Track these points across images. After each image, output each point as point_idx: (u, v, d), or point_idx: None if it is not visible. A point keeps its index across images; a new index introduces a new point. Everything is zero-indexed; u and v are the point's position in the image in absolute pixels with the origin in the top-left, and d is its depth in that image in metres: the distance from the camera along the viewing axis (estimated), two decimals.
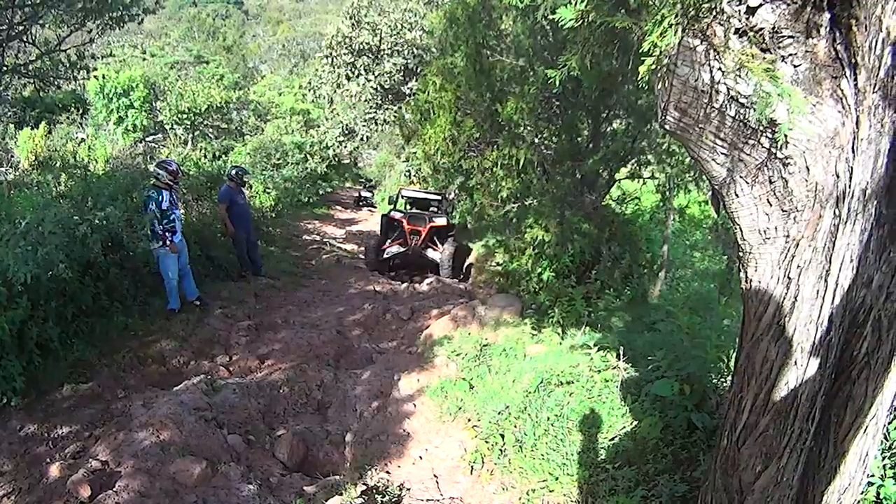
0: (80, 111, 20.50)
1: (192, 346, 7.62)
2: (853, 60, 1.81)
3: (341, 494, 4.49)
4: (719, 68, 1.86)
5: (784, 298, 2.03)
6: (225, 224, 10.55)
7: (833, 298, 1.99)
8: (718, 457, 2.49)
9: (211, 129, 22.15)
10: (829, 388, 2.16)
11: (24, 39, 11.96)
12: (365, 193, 27.74)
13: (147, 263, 8.26)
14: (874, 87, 1.84)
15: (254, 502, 4.67)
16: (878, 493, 2.75)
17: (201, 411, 5.61)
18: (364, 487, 4.68)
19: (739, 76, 1.83)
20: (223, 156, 19.64)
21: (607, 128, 7.97)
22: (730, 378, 4.04)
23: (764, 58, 1.82)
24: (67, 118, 19.67)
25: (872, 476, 2.74)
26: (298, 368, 6.99)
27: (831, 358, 2.10)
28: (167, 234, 7.91)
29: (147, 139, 20.20)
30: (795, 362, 2.08)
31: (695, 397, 4.00)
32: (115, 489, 4.42)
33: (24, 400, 5.72)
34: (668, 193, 8.19)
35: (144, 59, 34.50)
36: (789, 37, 1.80)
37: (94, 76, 18.40)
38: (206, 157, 17.18)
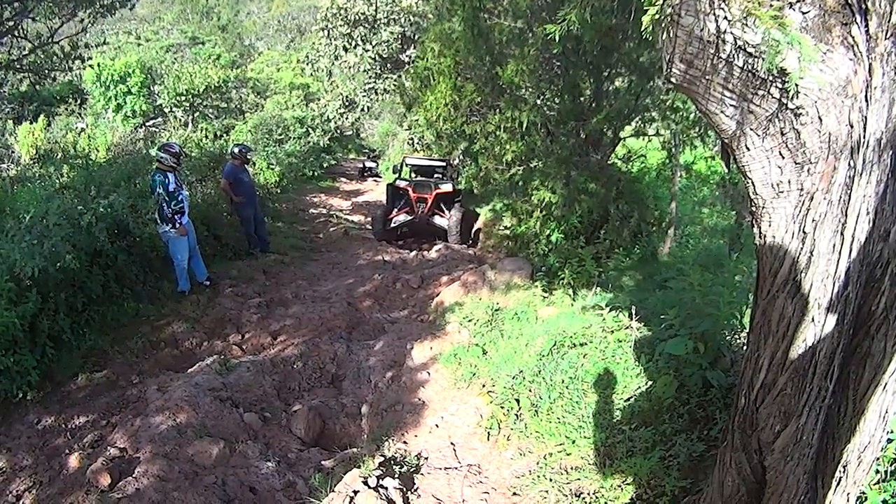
0: (79, 101, 20.60)
1: (203, 327, 7.66)
2: (864, 6, 1.73)
3: (359, 467, 4.50)
4: (725, 17, 1.78)
5: (799, 254, 1.98)
6: (229, 196, 10.56)
7: (850, 253, 1.93)
8: (736, 416, 2.45)
9: (210, 110, 22.12)
10: (847, 345, 2.11)
11: (16, 34, 11.86)
12: (369, 164, 27.70)
13: (154, 248, 8.29)
14: (886, 34, 1.76)
15: (273, 479, 4.69)
16: None
17: (216, 391, 5.63)
18: (382, 459, 4.68)
19: (746, 24, 1.75)
20: (224, 135, 19.64)
21: (610, 86, 7.86)
22: (744, 335, 4.01)
23: (771, 5, 1.74)
24: (66, 109, 19.76)
25: (891, 433, 2.70)
26: (311, 342, 7.01)
27: (849, 314, 2.05)
28: (176, 216, 7.89)
29: (147, 124, 20.19)
30: (813, 319, 2.03)
31: (709, 355, 3.96)
32: (134, 475, 4.44)
33: (40, 393, 5.79)
34: (673, 150, 8.09)
35: (139, 45, 34.51)
36: None
37: (90, 65, 18.34)
38: (207, 137, 17.18)
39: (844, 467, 2.21)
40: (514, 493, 4.08)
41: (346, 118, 23.20)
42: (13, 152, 12.59)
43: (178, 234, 7.94)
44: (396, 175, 15.12)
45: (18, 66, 12.70)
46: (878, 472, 2.70)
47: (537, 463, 4.23)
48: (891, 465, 2.72)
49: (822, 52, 1.76)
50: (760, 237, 2.09)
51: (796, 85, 1.75)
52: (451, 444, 4.90)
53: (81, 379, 6.12)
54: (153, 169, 8.20)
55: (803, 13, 1.75)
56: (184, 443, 4.86)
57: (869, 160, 1.85)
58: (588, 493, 3.76)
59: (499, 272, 7.77)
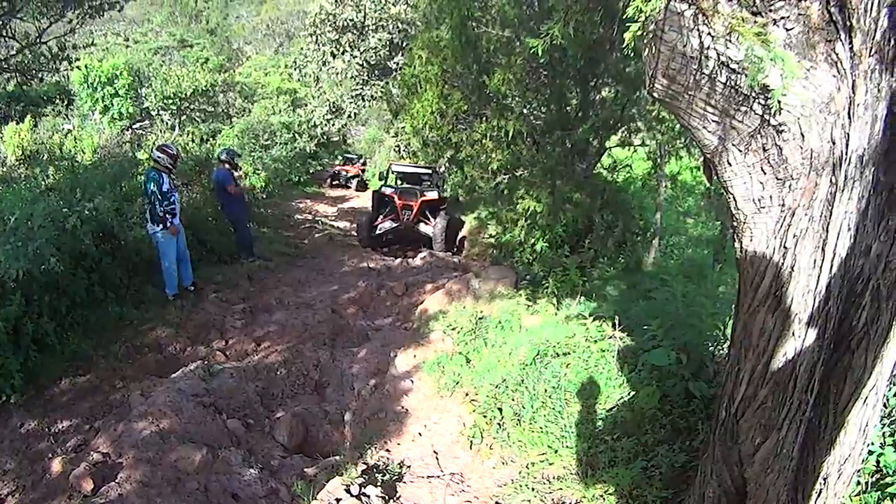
0: (66, 102, 20.45)
1: (187, 333, 7.60)
2: (848, 23, 1.75)
3: (342, 475, 4.48)
4: (709, 33, 1.80)
5: (781, 268, 2.00)
6: (241, 196, 10.82)
7: (831, 268, 1.96)
8: (717, 428, 2.47)
9: (197, 113, 22.02)
10: (827, 359, 2.13)
11: (3, 34, 11.76)
12: (350, 171, 25.68)
13: (139, 252, 8.23)
14: (870, 51, 1.78)
15: (256, 486, 4.67)
16: (878, 462, 2.75)
17: (199, 397, 5.59)
18: (364, 467, 4.67)
19: (730, 41, 1.77)
20: (211, 139, 19.55)
21: (596, 96, 7.91)
22: (726, 347, 4.04)
23: (755, 21, 1.76)
24: (53, 110, 19.64)
25: (872, 444, 2.73)
26: (295, 349, 6.98)
27: (830, 328, 2.07)
28: (168, 216, 7.85)
29: (134, 126, 20.06)
30: (793, 333, 2.05)
31: (692, 366, 3.98)
32: (117, 481, 4.41)
33: (23, 396, 5.73)
34: (659, 160, 8.15)
35: (128, 46, 34.38)
36: None
37: (78, 66, 18.23)
38: (193, 141, 17.11)
39: (825, 479, 2.23)
40: (497, 503, 4.08)
41: (333, 124, 23.17)
42: None
43: (168, 235, 7.90)
44: (382, 182, 15.11)
45: (5, 66, 12.61)
46: (858, 483, 2.72)
47: (520, 472, 4.23)
48: (871, 477, 2.75)
49: (806, 69, 1.77)
50: (742, 252, 2.11)
51: (779, 101, 1.77)
52: (434, 452, 4.89)
53: (65, 383, 6.07)
54: (148, 167, 8.15)
55: (787, 30, 1.76)
56: (167, 449, 4.82)
57: (851, 176, 1.87)
58: (570, 503, 3.77)
59: (483, 280, 7.75)
